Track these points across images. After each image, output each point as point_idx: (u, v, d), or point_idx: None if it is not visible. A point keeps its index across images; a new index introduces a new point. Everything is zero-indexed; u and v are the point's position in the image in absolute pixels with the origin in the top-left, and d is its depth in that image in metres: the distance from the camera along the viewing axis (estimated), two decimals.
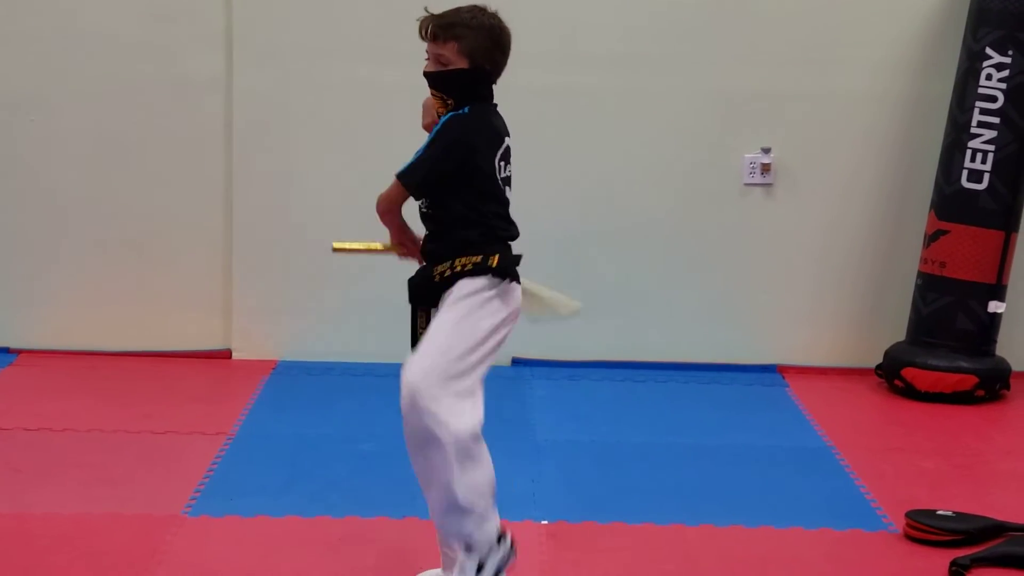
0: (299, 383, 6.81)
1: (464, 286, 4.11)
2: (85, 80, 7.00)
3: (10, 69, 7.00)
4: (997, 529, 4.99)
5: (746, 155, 7.07)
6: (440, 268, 4.15)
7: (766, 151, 7.05)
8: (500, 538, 4.14)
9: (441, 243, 4.18)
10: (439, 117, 4.17)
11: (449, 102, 4.15)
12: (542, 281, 4.64)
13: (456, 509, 4.05)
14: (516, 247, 4.38)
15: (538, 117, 6.95)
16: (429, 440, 3.98)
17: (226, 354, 7.17)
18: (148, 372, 6.90)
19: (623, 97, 7.02)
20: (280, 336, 7.13)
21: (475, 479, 4.05)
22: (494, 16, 4.21)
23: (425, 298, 4.19)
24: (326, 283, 7.01)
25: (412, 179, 4.10)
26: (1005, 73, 6.63)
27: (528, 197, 6.96)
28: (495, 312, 4.14)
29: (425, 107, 4.30)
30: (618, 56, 6.99)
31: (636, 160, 7.07)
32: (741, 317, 7.18)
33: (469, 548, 4.10)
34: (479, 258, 4.14)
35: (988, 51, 6.65)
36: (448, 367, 4.00)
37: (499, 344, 4.18)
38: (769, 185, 7.10)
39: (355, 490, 5.29)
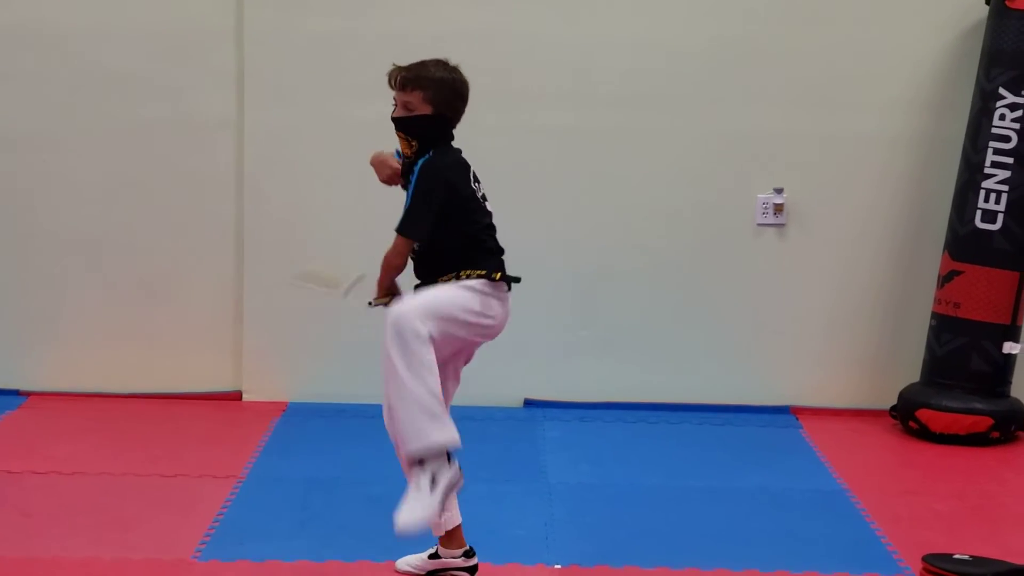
0: (310, 425, 6.78)
1: (463, 280, 4.65)
2: (96, 119, 7.01)
3: (21, 109, 7.02)
4: (1015, 573, 4.93)
5: (759, 195, 7.06)
6: (444, 278, 4.67)
7: (779, 192, 7.03)
8: (449, 458, 4.55)
9: (441, 266, 4.70)
10: (402, 161, 4.76)
11: (413, 144, 4.69)
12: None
13: (411, 406, 4.49)
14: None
15: (552, 157, 6.97)
16: (398, 337, 4.48)
17: (236, 396, 7.15)
18: (158, 414, 6.88)
19: (637, 137, 7.02)
20: (291, 378, 7.11)
21: (427, 385, 4.50)
22: (455, 69, 4.75)
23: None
24: (337, 324, 6.98)
25: (417, 229, 4.64)
26: (1019, 113, 6.61)
27: (542, 237, 7.02)
28: (484, 304, 4.68)
29: (376, 165, 4.87)
30: (632, 97, 6.99)
31: (650, 200, 7.06)
32: (754, 358, 7.15)
33: (422, 463, 4.51)
34: (483, 271, 4.68)
35: (1001, 91, 6.63)
36: (427, 316, 4.51)
37: (471, 333, 4.71)
38: (782, 226, 7.08)
39: (366, 534, 5.24)
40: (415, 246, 4.69)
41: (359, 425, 6.73)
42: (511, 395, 7.14)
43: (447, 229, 4.64)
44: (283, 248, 7.02)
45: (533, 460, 6.30)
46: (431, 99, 4.66)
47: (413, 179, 4.64)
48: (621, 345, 7.11)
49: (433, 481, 4.52)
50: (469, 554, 4.94)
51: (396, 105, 4.71)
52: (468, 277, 4.65)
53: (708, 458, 6.41)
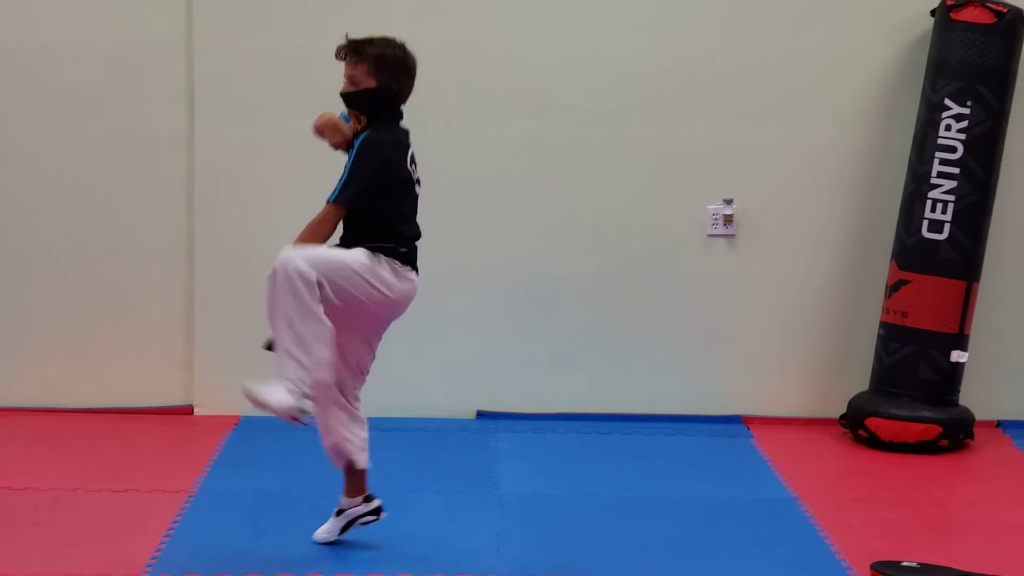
0: (261, 439, 6.76)
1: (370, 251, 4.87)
2: (46, 135, 6.99)
3: None
4: None
5: (709, 206, 7.09)
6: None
7: (728, 202, 7.07)
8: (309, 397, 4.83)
9: (359, 237, 4.91)
10: (350, 134, 4.96)
11: (362, 119, 4.92)
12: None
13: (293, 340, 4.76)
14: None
15: (504, 170, 7.00)
16: (285, 277, 4.71)
17: (188, 410, 7.13)
18: (109, 429, 6.85)
19: (588, 149, 7.05)
20: (242, 392, 7.07)
21: (310, 329, 4.74)
22: (401, 45, 4.99)
23: None
24: None
25: (347, 195, 4.85)
26: (964, 124, 6.67)
27: (494, 248, 7.05)
28: (384, 272, 4.88)
29: (326, 127, 5.04)
30: (583, 108, 7.02)
31: (601, 212, 7.09)
32: (705, 368, 7.18)
33: (292, 381, 4.80)
34: (391, 245, 4.90)
35: (947, 102, 6.70)
36: (318, 262, 4.73)
37: (369, 296, 4.87)
38: (732, 236, 7.12)
39: (318, 548, 5.24)
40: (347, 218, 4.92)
41: (311, 439, 6.61)
42: (464, 407, 7.15)
43: (371, 205, 4.88)
44: (234, 262, 7.01)
45: (486, 471, 6.31)
46: (375, 72, 4.89)
47: (353, 152, 4.88)
48: (573, 356, 7.14)
49: (301, 396, 4.80)
50: (369, 499, 5.21)
51: (344, 80, 4.94)
52: (375, 249, 4.87)
53: (660, 468, 6.43)
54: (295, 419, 4.85)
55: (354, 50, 4.93)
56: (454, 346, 7.13)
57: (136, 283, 7.10)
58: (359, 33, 6.59)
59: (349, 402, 5.15)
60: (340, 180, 4.88)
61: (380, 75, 4.90)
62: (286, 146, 6.91)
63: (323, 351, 4.80)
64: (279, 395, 4.79)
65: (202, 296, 7.07)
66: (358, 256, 4.85)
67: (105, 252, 7.07)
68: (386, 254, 4.90)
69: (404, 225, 4.98)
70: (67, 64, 6.95)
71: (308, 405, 4.85)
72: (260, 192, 6.99)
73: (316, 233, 4.88)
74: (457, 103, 6.90)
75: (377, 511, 5.23)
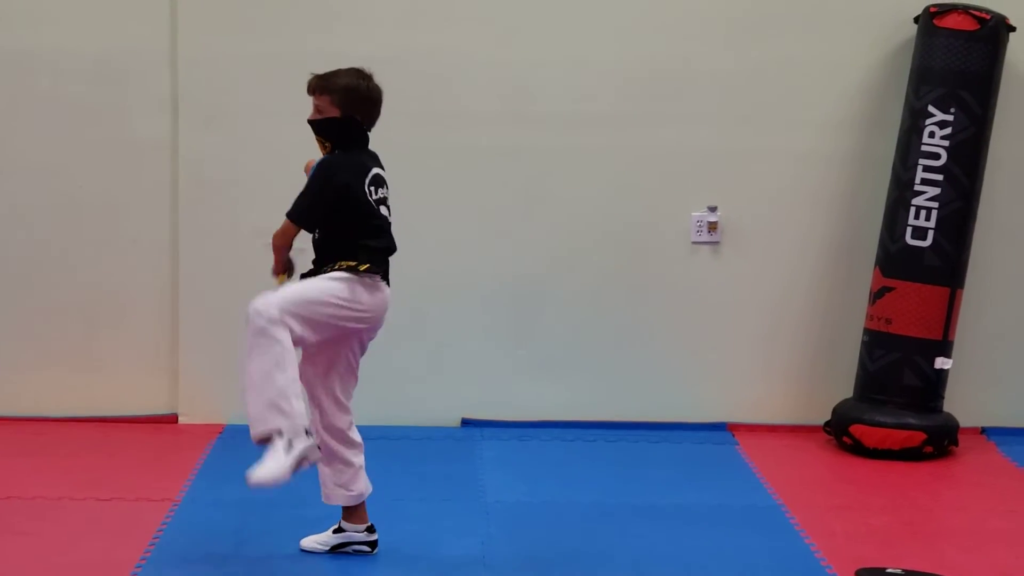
0: (246, 448, 6.62)
1: (333, 272, 4.96)
2: (31, 142, 6.99)
3: None
4: None
5: (694, 214, 7.11)
6: (324, 270, 4.98)
7: (712, 210, 7.09)
8: (307, 432, 4.80)
9: (325, 258, 5.02)
10: (323, 147, 5.09)
11: (327, 145, 5.06)
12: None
13: (255, 393, 4.79)
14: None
15: (488, 177, 7.01)
16: (251, 324, 4.80)
17: (172, 419, 7.12)
18: (93, 438, 6.84)
19: (572, 156, 7.06)
20: (227, 400, 7.06)
21: (277, 373, 4.77)
22: (368, 77, 5.10)
23: None
24: None
25: (301, 217, 5.01)
26: (948, 131, 6.69)
27: (478, 257, 7.05)
28: (351, 291, 4.94)
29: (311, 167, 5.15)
30: (567, 116, 7.03)
31: (585, 219, 7.10)
32: (690, 376, 7.19)
33: (280, 433, 4.76)
34: (354, 263, 4.96)
35: (931, 109, 6.72)
36: (286, 304, 4.81)
37: (340, 318, 4.94)
38: (716, 243, 7.13)
39: (302, 556, 5.24)
40: (314, 237, 5.06)
41: None
42: (449, 415, 7.15)
43: (335, 224, 5.00)
44: (219, 271, 7.01)
45: (471, 479, 6.31)
46: (339, 102, 5.02)
47: (312, 171, 5.07)
48: (558, 364, 7.14)
49: (290, 445, 4.75)
50: (371, 530, 5.24)
51: (312, 110, 5.09)
52: (339, 269, 4.94)
53: (645, 475, 6.44)
54: (302, 466, 4.82)
55: (317, 85, 5.06)
56: (439, 354, 7.14)
57: (121, 292, 7.09)
58: (345, 40, 6.65)
59: (344, 431, 5.16)
60: (298, 196, 5.06)
61: (344, 105, 5.02)
62: (270, 153, 6.91)
63: (300, 404, 4.82)
64: (275, 463, 4.76)
65: (187, 305, 7.06)
66: (333, 286, 4.94)
67: (89, 260, 7.06)
68: (356, 272, 4.97)
69: (372, 240, 5.04)
70: (51, 72, 6.95)
71: (306, 445, 4.79)
72: (245, 200, 6.98)
73: (277, 247, 5.09)
74: (435, 112, 6.91)
75: (373, 544, 5.24)
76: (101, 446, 6.71)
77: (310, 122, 5.08)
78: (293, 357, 4.82)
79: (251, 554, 5.28)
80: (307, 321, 4.85)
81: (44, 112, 6.97)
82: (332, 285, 4.92)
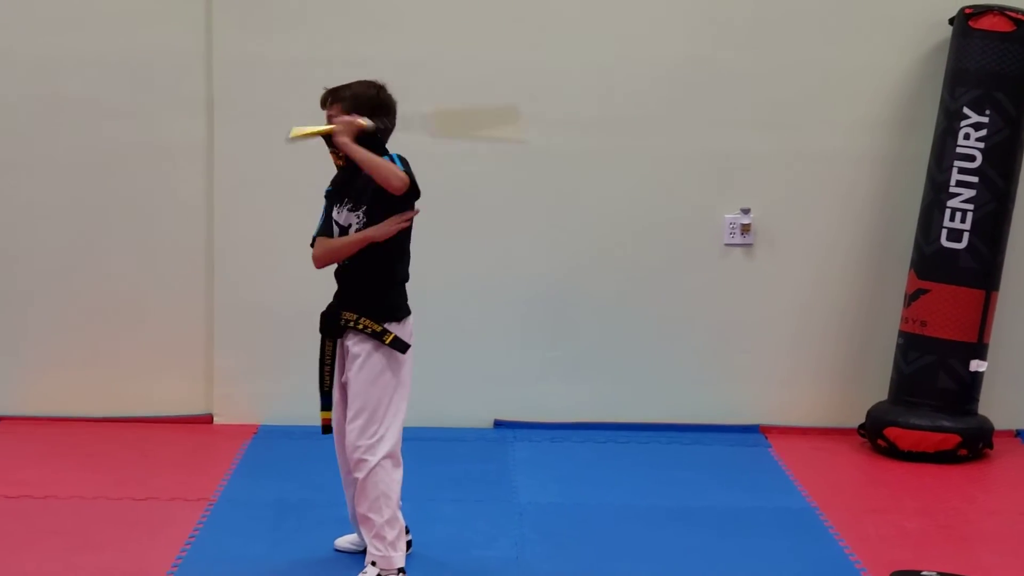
0: (281, 447, 6.79)
1: (389, 341, 5.02)
2: (66, 146, 7.02)
3: None
4: None
5: (727, 215, 7.10)
6: (379, 322, 5.01)
7: (745, 211, 7.08)
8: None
9: (361, 290, 5.05)
10: (339, 159, 5.02)
11: (342, 154, 4.94)
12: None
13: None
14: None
15: (521, 180, 7.01)
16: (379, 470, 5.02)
17: (207, 419, 7.16)
18: (129, 438, 6.87)
19: (605, 159, 7.06)
20: (261, 401, 7.11)
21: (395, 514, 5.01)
22: (377, 85, 5.04)
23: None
24: (307, 347, 6.94)
25: (413, 179, 4.89)
26: (983, 132, 6.67)
27: (511, 259, 7.06)
28: (407, 360, 5.13)
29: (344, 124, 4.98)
30: (600, 119, 7.03)
31: (618, 222, 7.10)
32: (723, 378, 7.18)
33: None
34: (399, 317, 5.05)
35: (966, 110, 6.69)
36: (394, 424, 5.10)
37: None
38: (749, 245, 7.12)
39: (337, 555, 5.27)
40: (345, 263, 5.01)
41: (329, 448, 6.67)
42: (481, 416, 7.16)
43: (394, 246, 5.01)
44: (253, 272, 7.05)
45: (503, 480, 6.32)
46: (348, 109, 4.96)
47: (394, 157, 4.91)
48: (590, 366, 7.15)
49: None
50: (406, 531, 5.19)
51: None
52: (386, 336, 4.99)
53: (677, 477, 6.44)
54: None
55: (331, 94, 5.03)
56: (471, 356, 7.15)
57: (156, 293, 7.13)
58: (376, 45, 6.66)
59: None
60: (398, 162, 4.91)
61: (354, 111, 4.95)
62: (305, 155, 6.91)
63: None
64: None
65: (222, 306, 7.09)
66: (403, 375, 5.03)
67: (125, 262, 7.10)
68: (404, 316, 5.06)
69: (401, 264, 5.10)
70: (87, 74, 6.98)
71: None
72: (279, 201, 7.01)
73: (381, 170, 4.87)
74: None
75: (407, 545, 5.21)
76: (137, 446, 6.74)
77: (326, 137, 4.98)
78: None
79: (286, 554, 5.30)
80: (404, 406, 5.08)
81: (79, 114, 7.01)
82: (402, 375, 5.03)
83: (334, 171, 5.16)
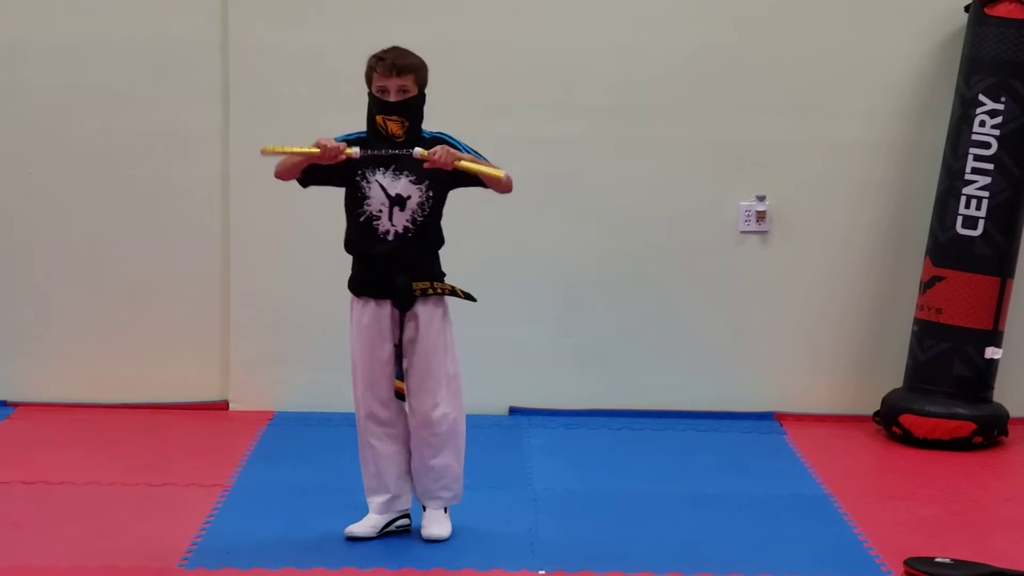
0: (296, 434, 6.80)
1: (444, 297, 5.36)
2: (82, 133, 7.04)
3: (7, 123, 7.05)
4: None
5: (742, 203, 7.10)
6: (436, 287, 5.27)
7: (761, 199, 7.08)
8: None
9: (431, 253, 5.33)
10: (401, 128, 5.11)
11: (406, 123, 5.10)
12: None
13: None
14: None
15: (536, 167, 6.98)
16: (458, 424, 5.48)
17: (223, 405, 7.18)
18: (145, 424, 6.90)
19: (620, 146, 7.06)
20: (277, 387, 7.13)
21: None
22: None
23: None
24: (323, 334, 7.01)
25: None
26: (998, 120, 6.66)
27: (526, 246, 7.06)
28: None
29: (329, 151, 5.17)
30: (614, 106, 7.03)
31: (632, 209, 7.10)
32: (738, 365, 7.19)
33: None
34: (449, 287, 5.38)
35: (981, 98, 6.68)
36: (457, 381, 5.53)
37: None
38: (765, 232, 7.12)
39: (352, 542, 5.27)
40: (417, 220, 5.16)
41: (345, 434, 6.70)
42: (497, 403, 7.17)
43: (438, 212, 5.27)
44: (269, 259, 7.06)
45: (519, 467, 6.33)
46: (420, 80, 5.12)
47: (458, 142, 5.17)
48: (605, 353, 7.15)
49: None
50: (407, 515, 5.46)
51: (388, 91, 5.08)
52: (443, 292, 5.32)
53: (692, 464, 6.44)
54: None
55: (406, 65, 5.10)
56: (486, 343, 7.14)
57: (172, 280, 7.15)
58: (392, 32, 6.65)
59: None
60: (480, 161, 5.18)
61: (422, 82, 5.15)
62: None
63: None
64: (447, 524, 5.38)
65: (237, 292, 7.11)
66: (451, 335, 5.40)
67: (141, 249, 7.12)
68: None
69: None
70: (102, 62, 7.00)
71: None
72: (294, 188, 6.98)
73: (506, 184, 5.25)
74: (483, 102, 6.91)
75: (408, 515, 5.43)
76: (152, 433, 6.76)
77: (397, 103, 5.08)
78: None
79: (301, 539, 5.31)
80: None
81: (95, 101, 7.02)
82: (450, 320, 5.38)
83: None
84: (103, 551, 5.14)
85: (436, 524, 5.32)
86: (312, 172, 5.21)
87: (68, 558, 5.06)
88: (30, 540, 5.25)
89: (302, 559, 5.07)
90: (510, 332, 7.15)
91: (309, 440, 6.69)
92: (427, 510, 5.36)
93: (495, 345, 7.15)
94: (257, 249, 7.07)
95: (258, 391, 7.15)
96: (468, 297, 5.34)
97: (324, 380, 7.07)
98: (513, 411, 7.18)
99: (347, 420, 6.81)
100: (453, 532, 5.34)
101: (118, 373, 7.16)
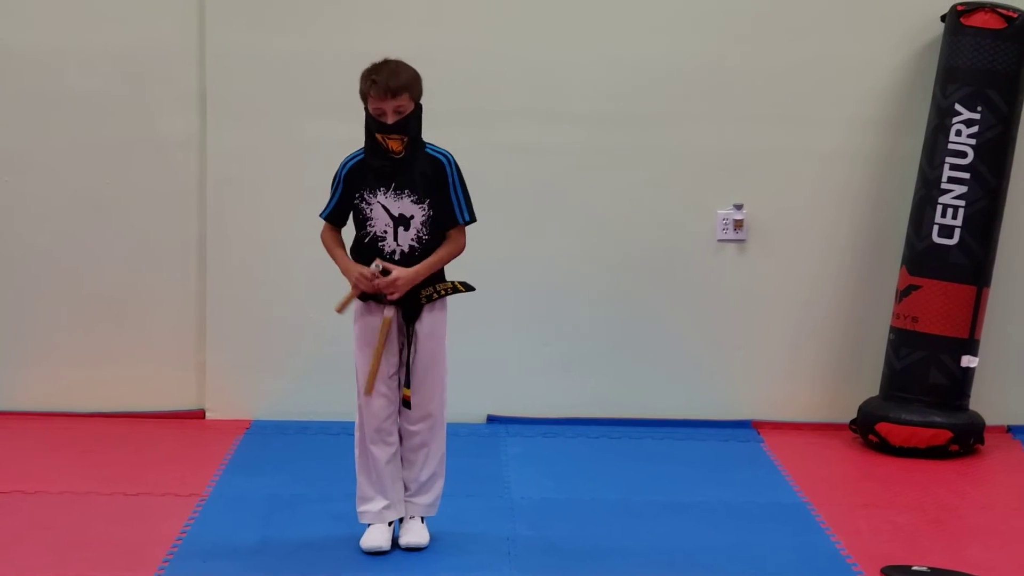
0: (273, 443, 6.78)
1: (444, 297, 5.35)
2: (59, 139, 7.02)
3: None
4: None
5: (719, 211, 7.11)
6: (438, 287, 5.28)
7: (738, 207, 7.09)
8: None
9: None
10: (399, 145, 5.07)
11: (405, 139, 5.07)
12: None
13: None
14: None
15: (514, 174, 7.00)
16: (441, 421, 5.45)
17: (199, 414, 7.15)
18: (121, 433, 6.87)
19: (598, 154, 7.06)
20: (254, 396, 7.11)
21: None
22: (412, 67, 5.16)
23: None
24: (300, 342, 7.00)
25: (472, 212, 5.27)
26: (974, 129, 6.68)
27: (504, 254, 7.05)
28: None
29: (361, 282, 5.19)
30: (593, 114, 7.03)
31: (610, 217, 7.10)
32: (715, 373, 7.19)
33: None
34: (449, 284, 5.35)
35: (957, 107, 6.71)
36: (444, 383, 5.50)
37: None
38: (742, 241, 7.13)
39: (328, 551, 5.26)
40: (423, 239, 5.17)
41: (322, 443, 6.74)
42: (474, 411, 7.16)
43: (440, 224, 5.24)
44: (246, 267, 7.05)
45: (496, 476, 6.33)
46: (415, 95, 5.10)
47: (450, 173, 5.18)
48: (583, 361, 7.15)
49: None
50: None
51: (384, 113, 5.04)
52: (446, 292, 5.34)
53: (670, 473, 6.44)
54: None
55: (401, 86, 5.04)
56: (464, 351, 7.08)
57: (148, 288, 7.12)
58: (372, 38, 6.63)
59: None
60: (460, 202, 5.21)
61: (417, 96, 5.13)
62: (297, 150, 6.94)
63: None
64: (426, 533, 5.36)
65: (214, 301, 7.09)
66: (444, 329, 5.40)
67: (117, 257, 7.09)
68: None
69: None
70: (79, 69, 6.98)
71: None
72: (272, 196, 7.01)
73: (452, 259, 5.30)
74: (463, 109, 6.90)
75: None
76: (128, 441, 6.73)
77: (394, 125, 5.03)
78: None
79: (278, 549, 5.29)
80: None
81: (71, 109, 7.00)
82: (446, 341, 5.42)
83: (329, 165, 5.16)
84: (78, 561, 5.11)
85: (414, 532, 5.31)
86: (335, 216, 5.28)
87: (43, 568, 5.03)
88: (4, 550, 5.21)
89: (279, 569, 5.06)
90: (488, 340, 7.14)
91: (286, 449, 6.67)
92: (405, 519, 5.34)
93: (473, 353, 7.11)
94: (234, 257, 7.05)
95: (235, 400, 7.13)
96: (468, 288, 5.36)
97: (301, 389, 7.06)
98: (491, 419, 7.17)
99: (324, 429, 6.85)
100: (431, 540, 5.32)
101: (94, 381, 7.13)
